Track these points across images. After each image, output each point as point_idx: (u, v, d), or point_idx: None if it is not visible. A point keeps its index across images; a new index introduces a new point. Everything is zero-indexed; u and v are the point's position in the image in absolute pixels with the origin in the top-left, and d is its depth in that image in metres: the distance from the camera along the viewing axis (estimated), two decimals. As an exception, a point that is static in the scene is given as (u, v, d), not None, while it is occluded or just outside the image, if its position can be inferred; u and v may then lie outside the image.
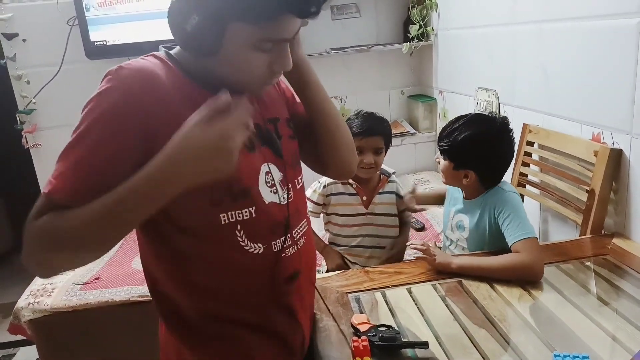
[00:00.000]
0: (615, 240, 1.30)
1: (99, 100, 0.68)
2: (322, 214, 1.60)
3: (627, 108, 1.29)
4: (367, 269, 1.27)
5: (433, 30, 2.50)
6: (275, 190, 0.80)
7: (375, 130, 1.47)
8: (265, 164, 0.79)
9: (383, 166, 1.58)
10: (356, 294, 1.13)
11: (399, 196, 1.56)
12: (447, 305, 1.06)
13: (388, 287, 1.14)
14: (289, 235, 0.81)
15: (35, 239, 0.66)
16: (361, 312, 1.05)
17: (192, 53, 0.72)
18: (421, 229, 2.03)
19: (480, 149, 1.24)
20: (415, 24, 2.48)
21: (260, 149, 0.79)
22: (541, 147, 1.68)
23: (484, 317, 1.01)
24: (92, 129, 0.67)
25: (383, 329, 0.92)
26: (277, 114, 0.85)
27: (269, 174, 0.79)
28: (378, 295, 1.12)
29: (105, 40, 2.32)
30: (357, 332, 0.95)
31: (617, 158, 1.34)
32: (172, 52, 0.77)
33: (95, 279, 1.81)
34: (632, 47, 1.24)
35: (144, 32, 2.33)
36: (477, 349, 0.92)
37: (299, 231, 0.85)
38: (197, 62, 0.73)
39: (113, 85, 0.68)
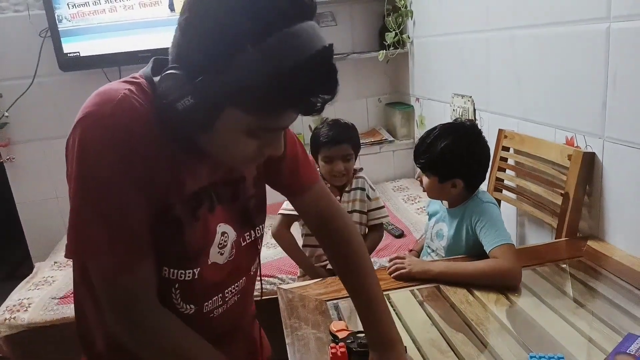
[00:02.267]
0: (589, 243, 1.32)
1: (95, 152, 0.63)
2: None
3: (598, 112, 1.31)
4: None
5: (409, 37, 2.53)
6: (222, 252, 0.77)
7: (342, 139, 1.48)
8: (222, 224, 0.76)
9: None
10: (335, 301, 1.12)
11: (368, 197, 1.55)
12: (425, 310, 1.06)
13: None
14: (220, 295, 0.80)
15: (151, 335, 0.69)
16: (340, 319, 1.04)
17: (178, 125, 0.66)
18: (400, 235, 2.03)
19: (460, 155, 1.24)
20: (391, 31, 2.51)
21: (219, 208, 0.76)
22: (516, 152, 1.70)
23: (462, 321, 1.01)
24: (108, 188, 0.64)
25: (361, 335, 0.91)
26: (244, 173, 0.80)
27: (225, 235, 0.77)
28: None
29: (79, 52, 2.29)
30: (335, 339, 0.94)
31: (590, 161, 1.36)
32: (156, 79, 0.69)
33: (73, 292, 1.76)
34: (602, 51, 1.27)
35: (118, 44, 2.31)
36: (454, 353, 0.91)
37: (232, 290, 0.82)
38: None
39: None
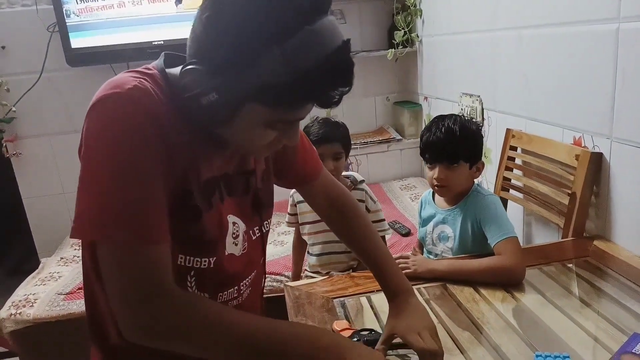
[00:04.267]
0: (596, 243, 1.31)
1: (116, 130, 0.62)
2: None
3: (607, 112, 1.31)
4: (352, 273, 1.27)
5: (418, 36, 2.52)
6: (237, 242, 0.79)
7: (332, 137, 1.47)
8: (232, 215, 0.78)
9: (354, 174, 1.58)
10: (341, 299, 1.12)
11: (367, 208, 1.53)
12: (431, 309, 1.06)
13: (373, 291, 1.13)
14: (236, 287, 0.81)
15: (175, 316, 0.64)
16: (347, 317, 1.05)
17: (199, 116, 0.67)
18: (407, 234, 2.03)
19: (477, 136, 1.28)
20: (400, 30, 2.50)
21: (228, 200, 0.77)
22: (524, 151, 1.70)
23: (468, 320, 1.01)
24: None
25: (365, 332, 0.92)
26: (254, 166, 0.83)
27: (236, 225, 0.79)
28: (363, 300, 1.12)
29: (87, 47, 2.30)
30: (339, 338, 0.94)
31: (597, 162, 1.35)
32: (169, 71, 0.70)
33: (79, 288, 1.77)
34: (611, 52, 1.26)
35: (125, 39, 2.32)
36: (460, 352, 0.91)
37: (246, 283, 0.83)
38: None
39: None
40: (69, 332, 1.64)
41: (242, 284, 0.82)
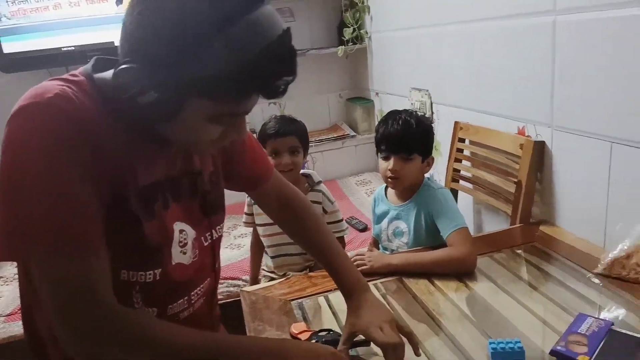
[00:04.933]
0: (542, 228, 1.37)
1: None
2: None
3: (547, 102, 1.36)
4: (310, 274, 1.26)
5: (367, 33, 2.54)
6: (185, 251, 0.75)
7: (287, 130, 1.46)
8: (179, 222, 0.75)
9: (312, 173, 1.57)
10: (299, 300, 1.11)
11: (324, 210, 1.53)
12: (388, 303, 1.06)
13: (331, 290, 1.13)
14: (187, 297, 0.78)
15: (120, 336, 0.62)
16: (305, 318, 1.04)
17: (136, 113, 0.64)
18: (364, 229, 2.05)
19: (430, 131, 1.32)
20: (349, 27, 2.52)
21: (174, 205, 0.74)
22: (472, 143, 1.74)
23: (424, 312, 1.03)
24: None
25: (323, 333, 0.91)
26: (200, 167, 0.80)
27: (183, 233, 0.75)
28: (321, 299, 1.11)
29: (21, 52, 2.17)
30: (298, 341, 0.93)
31: (540, 150, 1.41)
32: (98, 76, 0.67)
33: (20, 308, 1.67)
34: (549, 44, 1.31)
35: (63, 42, 2.21)
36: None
37: (198, 292, 0.81)
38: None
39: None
40: (11, 355, 1.55)
41: (193, 293, 0.79)
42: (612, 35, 1.12)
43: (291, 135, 1.47)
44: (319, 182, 1.56)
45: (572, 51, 1.25)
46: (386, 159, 1.30)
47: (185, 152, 0.76)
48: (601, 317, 0.92)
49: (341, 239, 1.57)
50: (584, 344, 0.84)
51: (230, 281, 1.75)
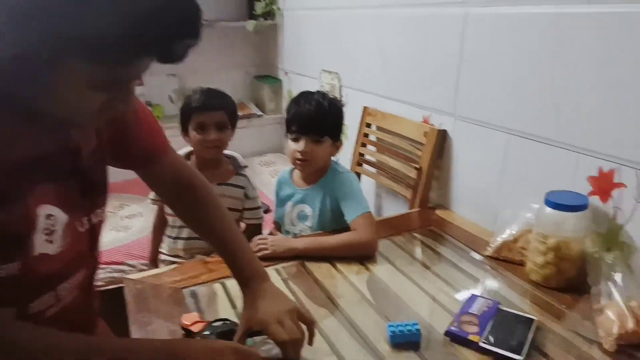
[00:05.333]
0: (438, 212, 1.43)
1: None
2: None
3: (451, 92, 1.40)
4: (206, 259, 1.17)
5: (279, 9, 2.45)
6: (52, 239, 0.63)
7: (215, 105, 1.37)
8: (48, 205, 0.63)
9: (237, 156, 1.48)
10: (192, 288, 1.02)
11: (246, 195, 1.46)
12: (289, 288, 1.03)
13: (228, 277, 1.06)
14: (53, 292, 0.67)
15: None
16: (198, 308, 0.96)
17: None
18: (267, 211, 1.98)
19: (341, 114, 1.29)
20: (261, 1, 2.41)
21: (43, 187, 0.62)
22: (379, 128, 1.76)
23: (325, 296, 1.00)
24: None
25: (219, 323, 0.84)
26: (82, 142, 0.68)
27: (51, 218, 0.63)
28: (217, 286, 1.03)
29: None
30: (189, 334, 0.85)
31: (442, 138, 1.46)
32: None
33: None
34: (458, 35, 1.35)
35: None
36: (317, 329, 0.89)
37: (68, 286, 0.69)
38: None
39: None
40: None
41: (61, 287, 0.67)
42: (518, 31, 1.17)
43: (219, 110, 1.37)
44: (245, 166, 1.48)
45: (480, 44, 1.30)
46: (296, 140, 1.25)
47: (62, 125, 0.63)
48: (490, 297, 0.97)
49: (258, 227, 1.51)
50: (475, 324, 0.87)
51: (113, 266, 1.58)
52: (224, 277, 1.05)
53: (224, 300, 0.99)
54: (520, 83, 1.18)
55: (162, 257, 1.49)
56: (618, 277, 0.88)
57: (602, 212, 1.00)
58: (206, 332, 0.82)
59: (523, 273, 1.07)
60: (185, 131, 1.39)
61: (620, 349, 0.80)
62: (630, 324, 0.80)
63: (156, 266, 1.46)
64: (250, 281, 0.82)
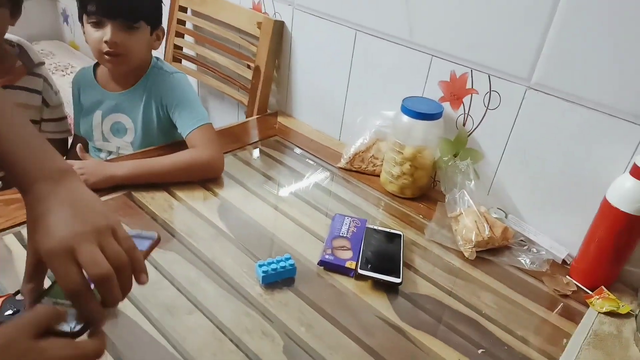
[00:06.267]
0: (280, 119, 1.28)
1: None
2: None
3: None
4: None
5: None
6: None
7: None
8: None
9: (29, 47, 1.04)
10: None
11: (45, 102, 1.05)
12: (116, 230, 0.78)
13: (23, 222, 0.75)
14: None
15: None
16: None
17: None
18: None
19: None
20: None
21: None
22: (195, 13, 1.45)
23: (169, 234, 0.80)
24: None
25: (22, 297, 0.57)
26: None
27: None
28: (9, 239, 0.73)
29: None
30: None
31: (279, 31, 1.26)
32: None
33: None
34: None
35: None
36: (163, 275, 0.71)
37: None
38: None
39: None
40: None
41: None
42: None
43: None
44: (41, 63, 1.05)
45: None
46: (98, 25, 0.90)
47: None
48: (353, 214, 0.91)
49: (64, 143, 1.12)
50: (348, 248, 0.81)
51: None
52: (17, 225, 0.73)
53: (24, 256, 0.69)
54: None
55: None
56: (471, 184, 0.91)
57: (452, 119, 1.01)
58: (8, 312, 0.56)
59: (378, 184, 1.04)
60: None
61: (478, 255, 0.84)
62: (486, 231, 0.84)
63: None
64: (35, 184, 0.47)
